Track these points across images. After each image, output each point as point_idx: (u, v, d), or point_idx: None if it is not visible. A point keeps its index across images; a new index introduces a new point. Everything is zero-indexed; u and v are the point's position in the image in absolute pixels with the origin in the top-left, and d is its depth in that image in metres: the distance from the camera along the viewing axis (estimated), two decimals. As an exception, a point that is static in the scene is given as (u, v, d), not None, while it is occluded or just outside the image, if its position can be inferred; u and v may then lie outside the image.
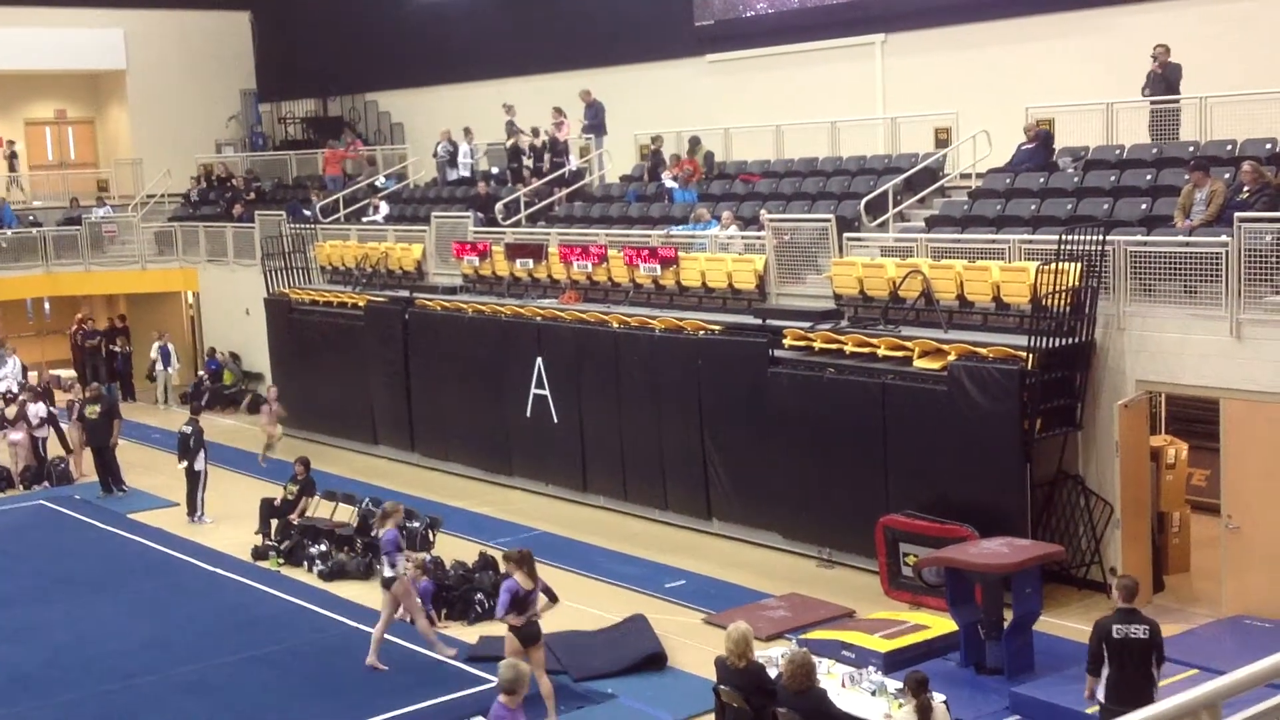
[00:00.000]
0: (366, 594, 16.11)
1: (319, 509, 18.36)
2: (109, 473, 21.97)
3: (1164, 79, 17.32)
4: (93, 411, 21.93)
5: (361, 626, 14.89)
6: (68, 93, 36.85)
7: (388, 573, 13.57)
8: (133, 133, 35.32)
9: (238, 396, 28.95)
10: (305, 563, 17.24)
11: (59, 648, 14.73)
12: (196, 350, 31.33)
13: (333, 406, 24.49)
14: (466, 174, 26.44)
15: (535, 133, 25.05)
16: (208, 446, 19.99)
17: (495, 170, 26.47)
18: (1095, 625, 10.10)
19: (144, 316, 32.27)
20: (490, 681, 12.77)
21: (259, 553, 17.83)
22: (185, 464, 19.77)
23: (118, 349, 30.75)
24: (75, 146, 37.61)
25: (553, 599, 12.27)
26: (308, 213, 27.83)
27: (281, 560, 17.50)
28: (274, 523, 18.22)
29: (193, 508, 19.86)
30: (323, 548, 17.32)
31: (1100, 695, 9.93)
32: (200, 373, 29.82)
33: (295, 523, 18.00)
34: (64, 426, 23.45)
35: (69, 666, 13.98)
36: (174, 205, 33.33)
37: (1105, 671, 9.87)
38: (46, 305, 35.35)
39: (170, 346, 29.73)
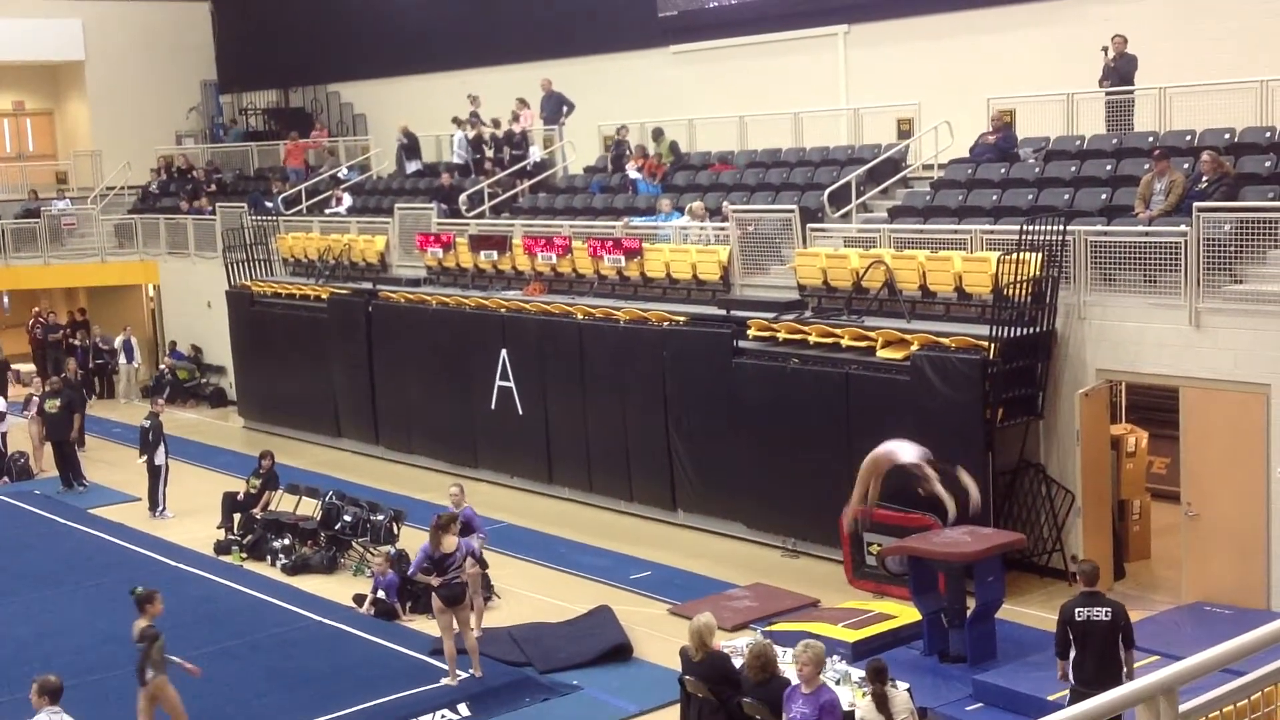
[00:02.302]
0: (330, 588, 16.07)
1: (282, 502, 18.26)
2: (69, 467, 21.79)
3: (1118, 71, 17.43)
4: (53, 405, 21.74)
5: (325, 620, 14.84)
6: (26, 84, 36.44)
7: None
8: (92, 124, 34.95)
9: (197, 390, 28.75)
10: (268, 557, 17.16)
11: (19, 643, 14.60)
12: (158, 344, 31.09)
13: (296, 399, 24.37)
14: (460, 162, 25.81)
15: (496, 124, 24.88)
16: (168, 440, 19.85)
17: (459, 160, 26.28)
18: (1060, 609, 10.25)
19: (104, 310, 32.01)
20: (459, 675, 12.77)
21: (221, 547, 17.73)
22: (145, 458, 19.64)
23: (78, 343, 30.48)
24: (34, 138, 37.19)
25: (480, 563, 13.10)
26: (270, 204, 27.64)
27: (244, 554, 17.41)
28: (237, 517, 18.12)
29: (154, 502, 19.72)
30: (286, 541, 17.24)
31: (1071, 678, 10.05)
32: (162, 366, 29.60)
33: (258, 516, 17.91)
34: (23, 420, 23.27)
35: (30, 662, 13.83)
36: (134, 197, 33.03)
37: (1072, 654, 9.98)
38: (5, 299, 34.99)
39: (133, 340, 29.51)
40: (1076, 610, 9.97)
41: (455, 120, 25.76)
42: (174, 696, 11.23)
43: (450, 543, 12.62)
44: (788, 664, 11.07)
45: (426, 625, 14.42)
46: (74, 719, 9.50)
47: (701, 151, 22.76)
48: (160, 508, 19.68)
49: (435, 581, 12.55)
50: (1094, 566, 10.39)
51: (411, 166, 27.11)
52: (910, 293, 15.86)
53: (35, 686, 9.55)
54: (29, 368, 29.79)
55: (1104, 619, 9.88)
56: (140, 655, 11.10)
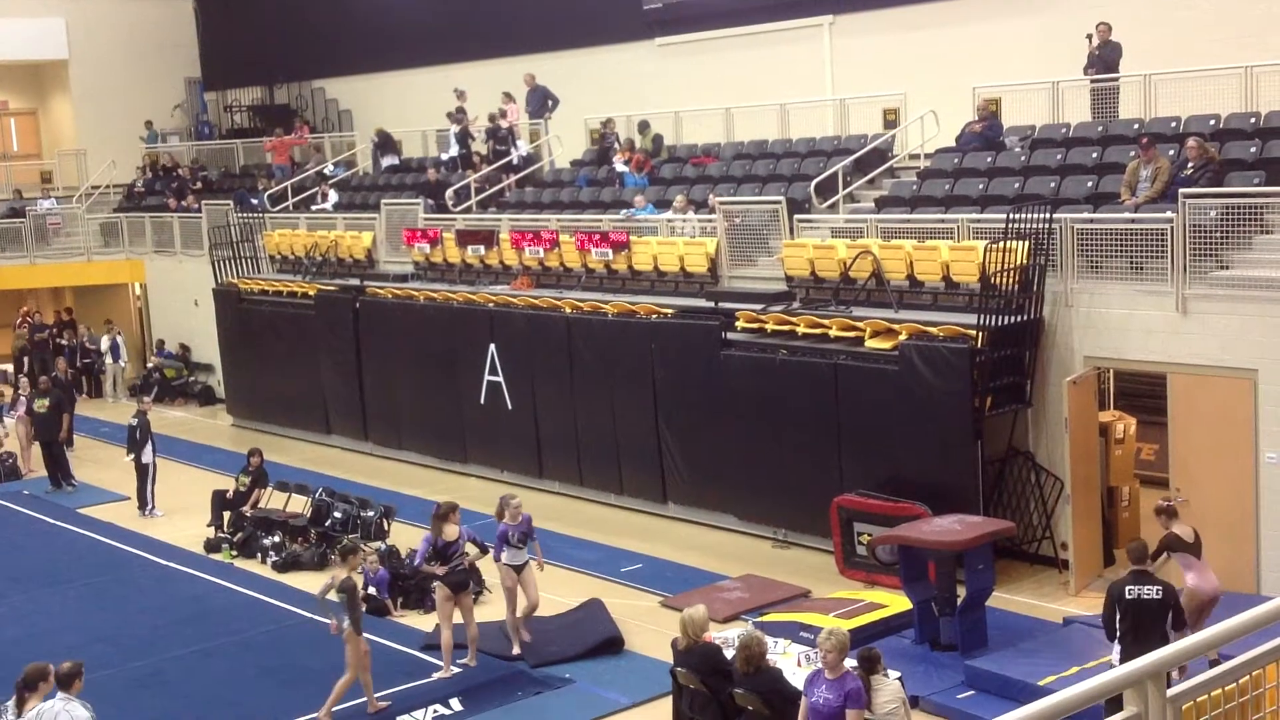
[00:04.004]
0: (321, 584, 16.01)
1: (272, 500, 18.24)
2: (58, 467, 21.73)
3: (1102, 59, 17.46)
4: (41, 405, 21.69)
5: (316, 617, 14.79)
6: (9, 83, 36.30)
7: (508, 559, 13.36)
8: (76, 123, 34.84)
9: (186, 389, 28.69)
10: (259, 554, 17.13)
11: (10, 643, 14.55)
12: (145, 342, 31.01)
13: (284, 397, 24.32)
14: (454, 155, 25.67)
15: (493, 118, 24.79)
16: (155, 438, 19.80)
17: (445, 156, 26.26)
18: (1108, 589, 10.09)
19: (91, 309, 31.90)
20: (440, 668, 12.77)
21: (212, 545, 17.70)
22: (133, 457, 19.59)
23: (65, 342, 30.39)
24: (18, 138, 37.06)
25: (482, 549, 13.38)
26: (255, 201, 27.57)
27: (235, 552, 17.38)
28: (226, 514, 18.09)
29: (143, 501, 19.69)
30: (276, 539, 17.22)
31: (1116, 660, 9.74)
32: (150, 364, 29.52)
33: (248, 514, 17.88)
34: (10, 421, 23.21)
35: (19, 662, 13.66)
36: (119, 196, 32.94)
37: (1118, 638, 9.82)
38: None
39: (119, 339, 29.42)
40: (1127, 589, 9.80)
41: (450, 115, 25.66)
42: (363, 647, 11.77)
43: (452, 531, 12.79)
44: (780, 655, 11.12)
45: (418, 621, 14.43)
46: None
47: (688, 144, 22.75)
48: (149, 506, 19.64)
49: (440, 570, 12.66)
50: (1143, 544, 10.24)
51: (386, 161, 27.09)
52: (898, 282, 15.87)
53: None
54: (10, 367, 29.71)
55: (1155, 597, 9.66)
56: (344, 604, 11.64)
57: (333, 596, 11.85)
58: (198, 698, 12.84)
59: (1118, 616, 9.80)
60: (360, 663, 11.83)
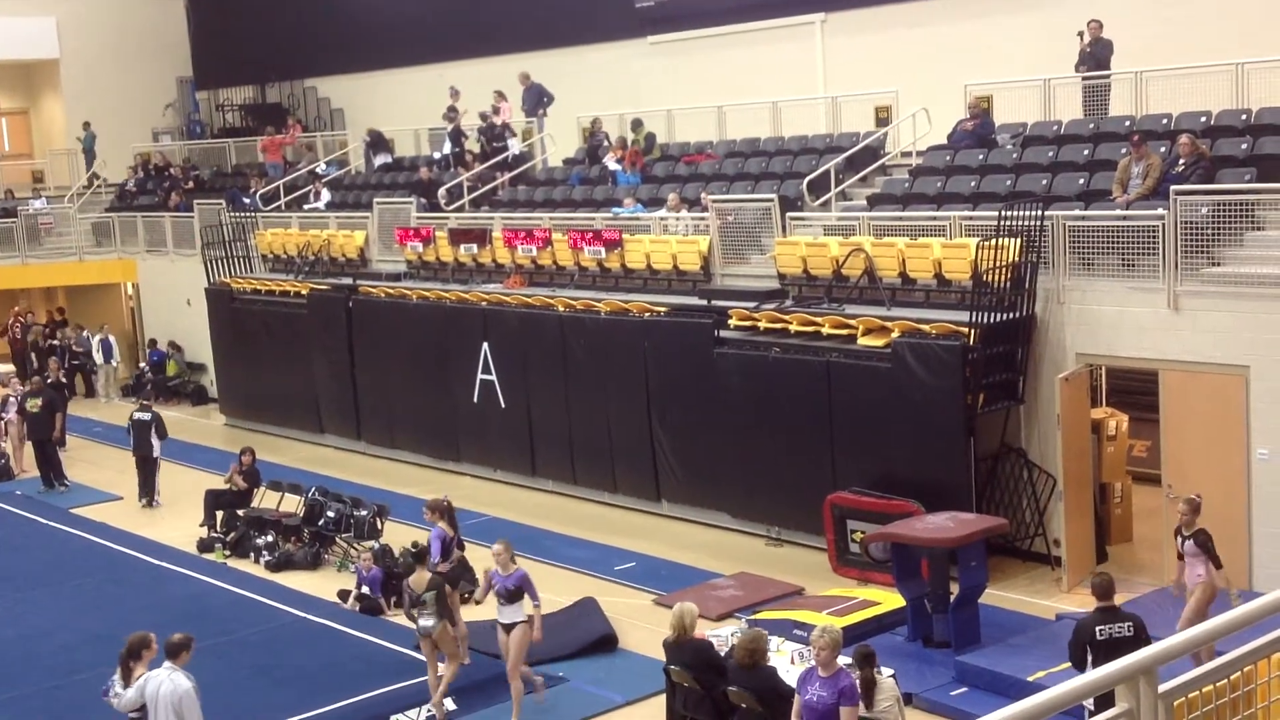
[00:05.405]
0: (314, 584, 16.05)
1: (265, 499, 18.22)
2: (50, 467, 21.71)
3: (1094, 56, 17.49)
4: (34, 405, 21.66)
5: (310, 617, 14.82)
6: (0, 83, 36.23)
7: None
8: (68, 123, 34.74)
9: (181, 388, 28.64)
10: (252, 554, 17.12)
11: (2, 643, 14.54)
12: (138, 342, 30.96)
13: (277, 396, 24.29)
14: (448, 153, 25.68)
15: (484, 116, 24.76)
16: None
17: (437, 155, 26.24)
18: (1076, 626, 9.77)
19: (83, 309, 31.85)
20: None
21: (205, 545, 17.68)
22: (156, 448, 19.88)
23: (58, 342, 30.32)
24: (9, 137, 36.99)
25: (459, 547, 13.69)
26: (248, 200, 27.53)
27: (228, 552, 17.36)
28: (219, 514, 18.08)
29: (146, 492, 19.87)
30: (269, 538, 17.20)
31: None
32: (142, 364, 29.46)
33: (241, 514, 17.86)
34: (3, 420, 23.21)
35: (13, 662, 13.82)
36: (111, 196, 32.88)
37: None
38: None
39: (111, 339, 29.37)
40: (1098, 629, 9.43)
41: (445, 115, 25.60)
42: (453, 641, 11.93)
43: (448, 527, 13.01)
44: (774, 653, 11.12)
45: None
46: (76, 712, 9.49)
47: (680, 142, 22.74)
48: (154, 496, 19.89)
49: (445, 567, 12.73)
50: (1108, 579, 9.84)
51: (379, 160, 27.06)
52: (890, 280, 15.89)
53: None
54: (8, 368, 29.62)
55: (1127, 634, 9.34)
56: (435, 601, 11.72)
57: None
58: (191, 697, 12.80)
59: (1090, 658, 9.34)
60: (457, 652, 11.95)
